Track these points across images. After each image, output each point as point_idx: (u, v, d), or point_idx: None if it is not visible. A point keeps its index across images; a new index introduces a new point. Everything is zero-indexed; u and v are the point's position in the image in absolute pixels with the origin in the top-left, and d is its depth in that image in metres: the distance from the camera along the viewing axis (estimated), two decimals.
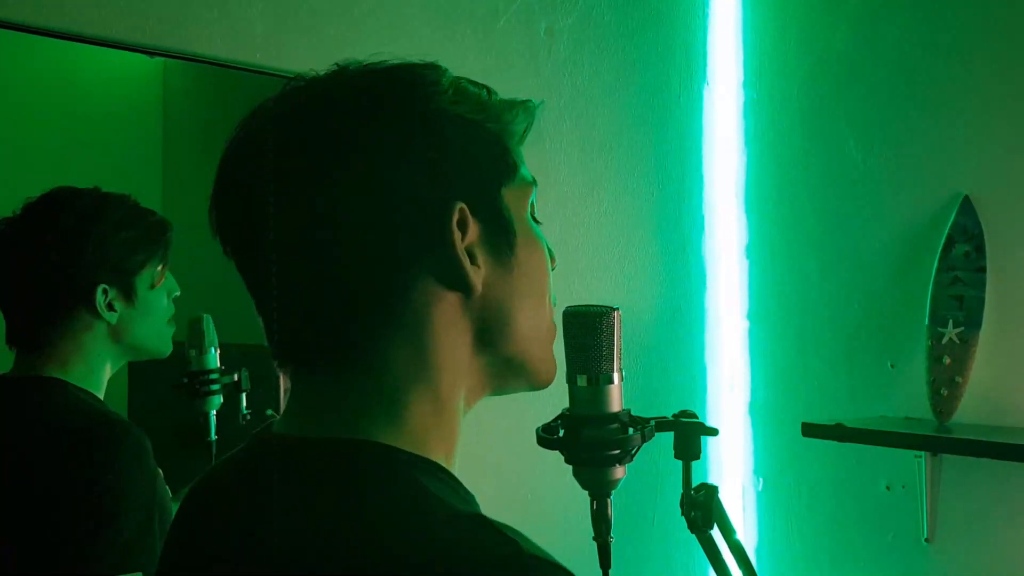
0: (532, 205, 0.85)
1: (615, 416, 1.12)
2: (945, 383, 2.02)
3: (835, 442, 2.16)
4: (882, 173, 2.23)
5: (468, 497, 0.75)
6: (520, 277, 0.81)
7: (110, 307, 1.63)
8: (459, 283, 0.76)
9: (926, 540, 2.10)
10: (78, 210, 1.63)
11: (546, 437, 1.13)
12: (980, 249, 2.03)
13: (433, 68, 0.79)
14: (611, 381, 1.13)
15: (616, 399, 1.14)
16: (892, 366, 2.20)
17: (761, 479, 2.46)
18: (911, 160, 2.18)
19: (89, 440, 1.48)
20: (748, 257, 2.50)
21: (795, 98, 2.41)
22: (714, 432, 1.20)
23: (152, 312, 1.71)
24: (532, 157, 0.87)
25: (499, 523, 0.68)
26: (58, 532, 1.43)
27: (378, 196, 0.73)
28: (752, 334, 2.49)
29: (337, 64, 0.79)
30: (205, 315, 2.06)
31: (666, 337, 2.47)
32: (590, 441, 1.11)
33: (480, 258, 0.77)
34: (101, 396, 1.68)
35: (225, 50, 1.81)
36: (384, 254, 0.74)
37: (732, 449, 2.48)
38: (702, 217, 2.53)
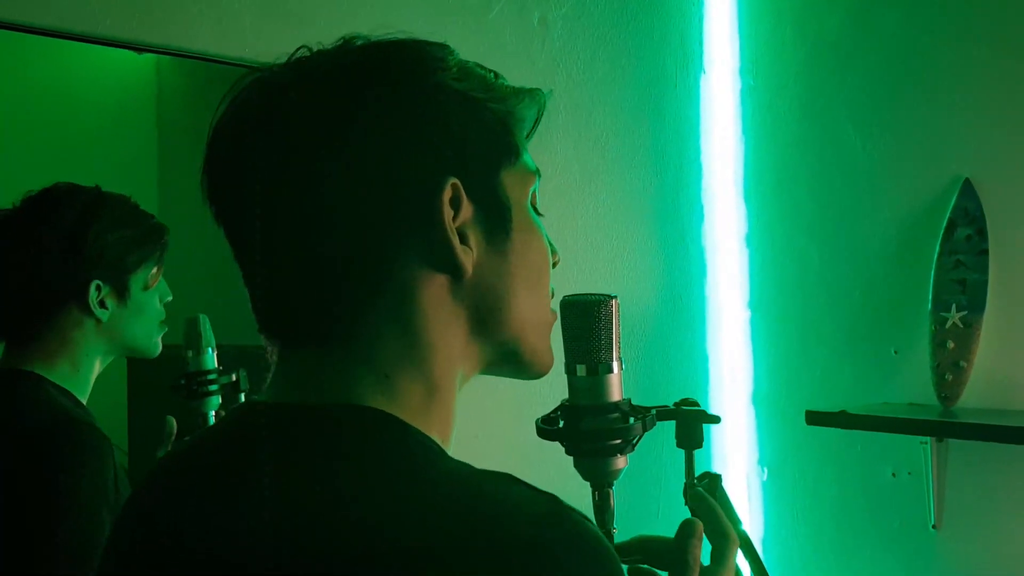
0: (534, 195, 0.82)
1: (615, 405, 1.10)
2: (949, 368, 2.00)
3: (839, 430, 2.15)
4: (881, 158, 2.21)
5: None
6: (516, 263, 0.78)
7: (102, 304, 1.61)
8: (448, 263, 0.73)
9: (933, 526, 2.08)
10: (79, 206, 1.61)
11: (546, 428, 1.11)
12: (982, 232, 2.01)
13: (440, 46, 0.77)
14: (610, 370, 1.11)
15: (616, 388, 1.11)
16: (895, 352, 2.18)
17: (765, 469, 2.45)
18: (911, 144, 2.16)
19: (45, 439, 1.46)
20: (748, 245, 2.48)
21: (792, 84, 2.39)
22: (716, 420, 1.17)
23: (144, 313, 1.70)
24: (528, 148, 0.85)
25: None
26: (6, 530, 1.41)
27: (368, 167, 0.71)
28: (753, 323, 2.47)
29: (344, 37, 0.77)
30: (201, 315, 2.04)
31: (667, 327, 2.45)
32: (590, 431, 1.08)
33: (472, 239, 0.74)
34: (85, 394, 1.66)
35: (214, 44, 1.79)
36: (371, 227, 0.71)
37: (736, 439, 2.46)
38: (701, 206, 2.51)
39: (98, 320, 1.62)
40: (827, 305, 2.32)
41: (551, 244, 0.84)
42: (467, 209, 0.74)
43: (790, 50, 2.39)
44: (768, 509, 2.44)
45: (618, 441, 1.09)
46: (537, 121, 0.83)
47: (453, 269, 0.73)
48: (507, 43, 2.17)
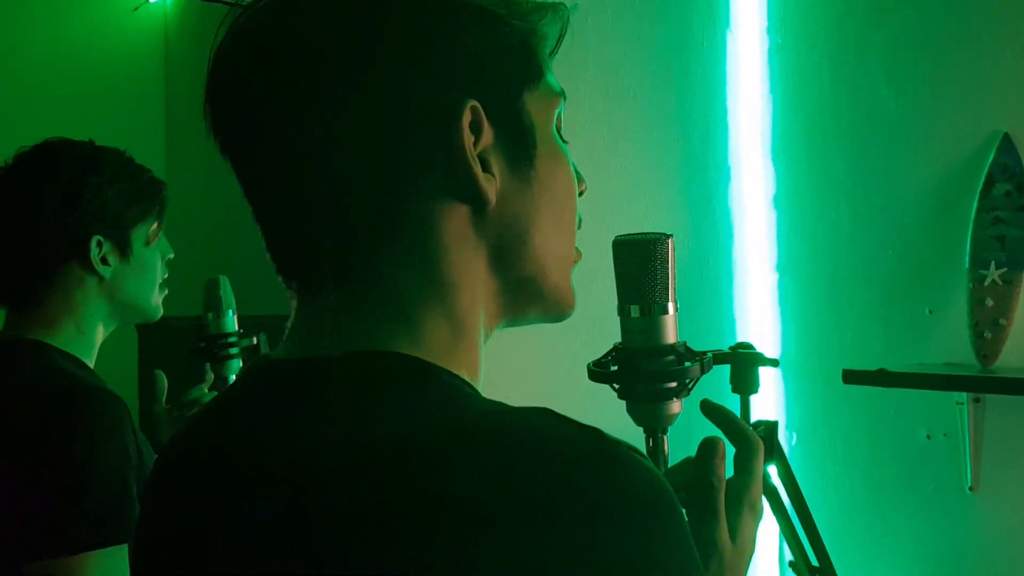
0: (559, 119, 0.78)
1: (671, 348, 1.07)
2: (988, 326, 1.96)
3: (871, 394, 2.12)
4: (916, 114, 2.16)
5: None
6: (540, 192, 0.73)
7: (104, 261, 1.58)
8: (469, 192, 0.69)
9: (970, 489, 2.05)
10: (75, 160, 1.58)
11: (599, 371, 1.07)
12: (1022, 188, 1.96)
13: None
14: (666, 311, 1.08)
15: (671, 330, 1.08)
16: (930, 312, 2.14)
17: (795, 434, 2.41)
18: (947, 99, 2.11)
19: (60, 409, 1.43)
20: (776, 207, 2.44)
21: (822, 40, 2.34)
22: (775, 363, 1.14)
23: (146, 270, 1.66)
24: (552, 68, 0.79)
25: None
26: (27, 507, 1.38)
27: (383, 89, 0.66)
28: (781, 285, 2.43)
29: None
30: (222, 277, 2.01)
31: (693, 291, 2.41)
32: (646, 373, 1.05)
33: (495, 167, 0.70)
34: (91, 359, 1.63)
35: None
36: (387, 154, 0.67)
37: (764, 404, 2.43)
38: (728, 167, 2.47)
39: (101, 278, 1.58)
40: (858, 266, 2.28)
41: (578, 172, 0.80)
42: (488, 134, 0.69)
43: (820, 6, 2.34)
44: (798, 474, 2.39)
45: (674, 384, 1.06)
46: (560, 38, 0.78)
47: (475, 198, 0.69)
48: None
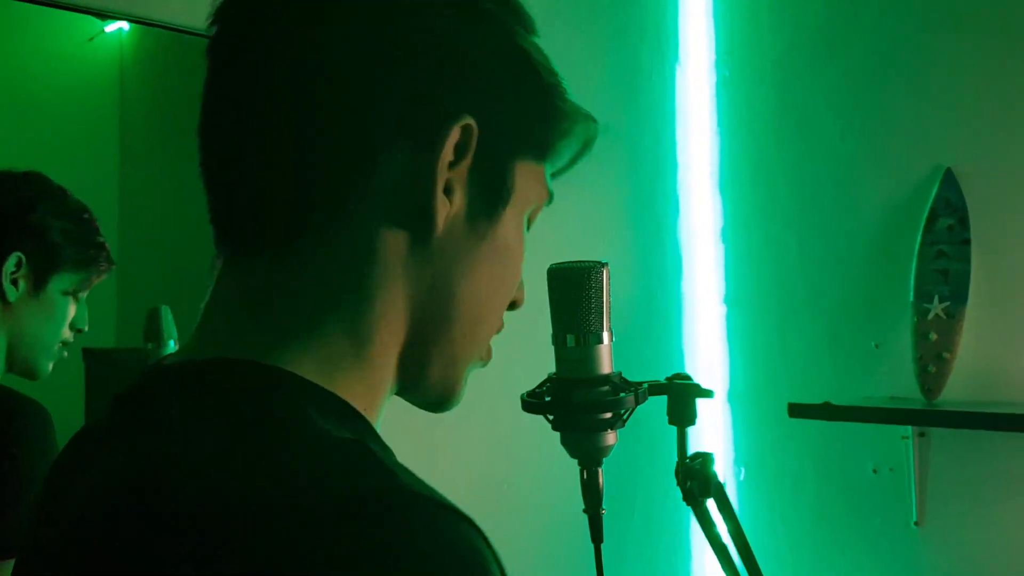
0: (532, 215, 0.73)
1: (606, 378, 1.05)
2: (932, 359, 1.96)
3: (819, 428, 2.11)
4: (861, 149, 2.18)
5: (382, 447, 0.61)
6: (487, 254, 0.67)
7: (14, 282, 1.50)
8: (418, 205, 0.62)
9: (916, 523, 2.04)
10: (34, 187, 1.54)
11: (532, 402, 1.05)
12: (964, 221, 1.98)
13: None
14: (601, 341, 1.07)
15: (606, 360, 1.07)
16: (876, 346, 2.14)
17: (743, 469, 2.40)
18: (891, 134, 2.13)
19: None
20: (724, 240, 2.44)
21: (769, 75, 2.36)
22: (709, 394, 1.12)
23: (51, 317, 1.55)
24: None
25: (387, 457, 0.56)
26: None
27: (376, 63, 0.61)
28: (729, 318, 2.43)
29: None
30: (163, 307, 1.97)
31: (642, 324, 2.40)
32: (581, 403, 1.03)
33: (456, 198, 0.63)
34: None
35: (184, 15, 1.71)
36: (366, 119, 0.61)
37: (712, 438, 2.41)
38: (676, 200, 2.47)
39: (5, 297, 1.51)
40: (806, 300, 2.28)
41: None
42: (466, 165, 0.63)
43: (767, 40, 2.36)
44: (745, 509, 2.39)
45: (609, 415, 1.04)
46: (577, 156, 0.74)
47: (421, 214, 0.62)
48: None
